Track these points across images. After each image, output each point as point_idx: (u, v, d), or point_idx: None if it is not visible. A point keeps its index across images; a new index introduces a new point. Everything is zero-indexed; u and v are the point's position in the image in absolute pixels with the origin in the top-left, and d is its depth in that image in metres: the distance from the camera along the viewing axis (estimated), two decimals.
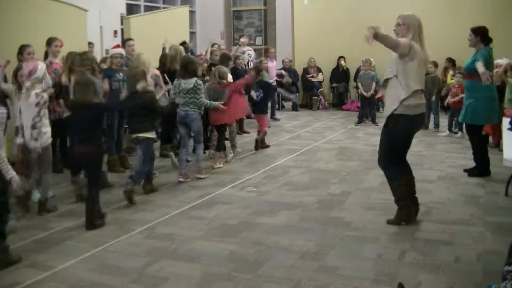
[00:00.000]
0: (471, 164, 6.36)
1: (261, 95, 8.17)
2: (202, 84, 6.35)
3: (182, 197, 5.59)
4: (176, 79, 6.38)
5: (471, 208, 4.97)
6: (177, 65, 6.85)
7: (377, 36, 4.08)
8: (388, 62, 4.46)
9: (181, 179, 6.17)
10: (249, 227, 4.58)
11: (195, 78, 6.16)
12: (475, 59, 5.80)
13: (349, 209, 5.03)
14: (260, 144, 8.00)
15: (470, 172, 6.22)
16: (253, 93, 8.05)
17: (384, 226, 4.52)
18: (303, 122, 10.50)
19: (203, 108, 6.29)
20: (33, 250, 4.17)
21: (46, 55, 6.54)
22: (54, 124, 6.45)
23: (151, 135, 5.61)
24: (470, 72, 6.01)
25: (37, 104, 4.87)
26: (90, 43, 8.67)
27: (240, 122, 8.75)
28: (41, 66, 5.19)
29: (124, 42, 8.03)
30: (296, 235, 4.37)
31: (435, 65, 9.27)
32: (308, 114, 12.00)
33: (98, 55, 9.42)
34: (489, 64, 5.82)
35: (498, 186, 5.62)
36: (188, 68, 6.18)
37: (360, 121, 10.56)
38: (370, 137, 9.03)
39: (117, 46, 7.67)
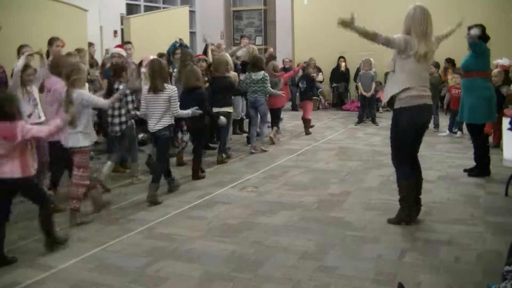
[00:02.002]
0: (471, 164, 6.36)
1: (305, 85, 9.55)
2: (268, 76, 8.01)
3: (182, 197, 5.59)
4: (247, 72, 8.12)
5: (471, 208, 4.97)
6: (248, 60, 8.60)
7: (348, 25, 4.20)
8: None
9: (253, 151, 7.81)
10: (249, 227, 4.58)
11: (262, 71, 7.90)
12: (471, 55, 5.83)
13: (349, 209, 5.03)
14: (308, 128, 9.52)
15: (470, 172, 6.22)
16: (300, 84, 9.66)
17: (384, 226, 4.52)
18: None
19: (268, 95, 7.92)
20: (33, 250, 4.17)
21: (48, 55, 6.54)
22: None
23: (230, 109, 7.20)
24: (467, 70, 6.01)
25: None
26: (90, 43, 8.67)
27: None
28: None
29: (123, 44, 8.04)
30: (296, 235, 4.37)
31: (436, 65, 9.27)
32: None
33: (98, 55, 9.43)
34: (485, 59, 5.84)
35: (498, 186, 5.62)
36: (257, 64, 7.93)
37: (360, 121, 10.56)
38: (370, 137, 9.04)
39: (120, 46, 7.66)
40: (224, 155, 7.24)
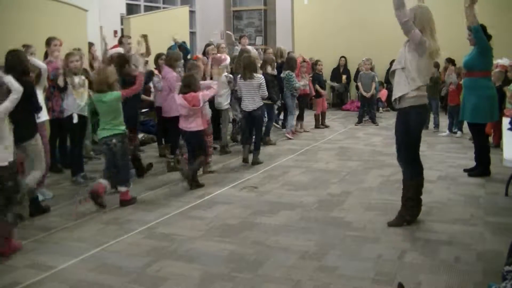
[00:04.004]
0: (471, 164, 6.36)
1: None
2: (293, 75, 9.05)
3: (182, 197, 5.59)
4: (282, 71, 9.00)
5: (471, 208, 4.97)
6: (280, 60, 9.50)
7: None
8: (398, 54, 4.44)
9: (290, 136, 9.04)
10: (249, 227, 4.58)
11: (288, 70, 8.94)
12: (474, 54, 5.82)
13: (349, 209, 5.03)
14: (322, 122, 10.37)
15: (470, 172, 6.22)
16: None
17: (384, 226, 4.52)
18: (303, 122, 10.49)
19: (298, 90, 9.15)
20: (33, 250, 4.17)
21: (46, 55, 6.54)
22: (53, 124, 6.47)
23: (270, 102, 8.28)
24: (469, 69, 5.99)
25: (229, 82, 7.66)
26: (90, 44, 8.65)
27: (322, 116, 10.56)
28: (228, 58, 7.96)
29: (121, 39, 8.01)
30: (296, 235, 4.37)
31: (436, 65, 9.27)
32: (308, 114, 11.95)
33: (98, 55, 9.40)
34: (489, 58, 5.84)
35: (498, 186, 5.62)
36: (289, 63, 9.04)
37: (360, 121, 10.56)
38: (370, 137, 9.04)
39: (116, 46, 7.64)
40: (268, 138, 8.42)
